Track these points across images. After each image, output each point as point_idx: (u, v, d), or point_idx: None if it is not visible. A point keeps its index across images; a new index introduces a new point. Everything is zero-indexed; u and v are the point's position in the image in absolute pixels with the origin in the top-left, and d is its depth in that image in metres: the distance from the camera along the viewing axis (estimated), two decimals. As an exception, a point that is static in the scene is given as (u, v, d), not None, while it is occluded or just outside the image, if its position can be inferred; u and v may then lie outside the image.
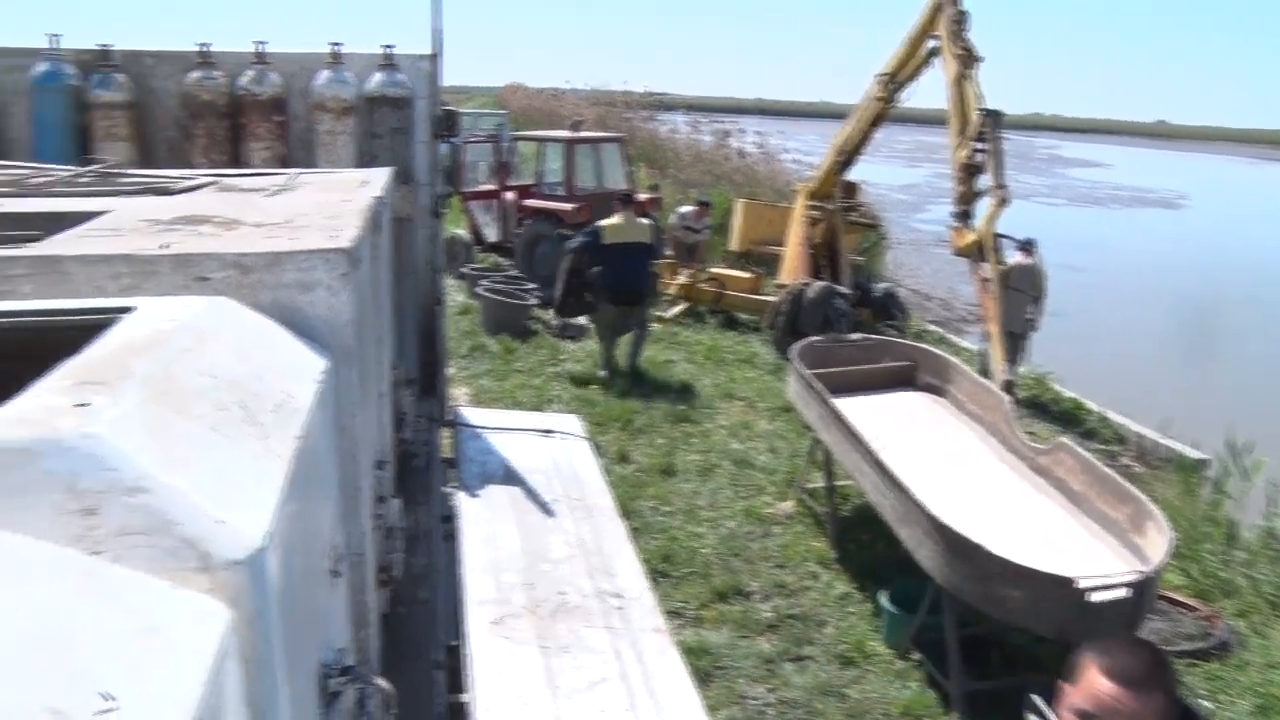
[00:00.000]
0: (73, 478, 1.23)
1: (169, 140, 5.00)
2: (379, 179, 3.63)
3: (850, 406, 7.03)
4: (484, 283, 13.25)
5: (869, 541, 7.12)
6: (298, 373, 1.92)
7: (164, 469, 1.28)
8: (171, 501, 1.24)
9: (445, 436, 4.94)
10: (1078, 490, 5.94)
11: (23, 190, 3.27)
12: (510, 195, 15.49)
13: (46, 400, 1.38)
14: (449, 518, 4.06)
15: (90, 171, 3.58)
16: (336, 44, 4.95)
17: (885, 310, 13.54)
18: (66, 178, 3.49)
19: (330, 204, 2.99)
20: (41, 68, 4.84)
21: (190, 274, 2.15)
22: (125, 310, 1.86)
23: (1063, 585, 4.76)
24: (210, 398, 1.58)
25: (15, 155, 4.54)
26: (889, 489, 5.87)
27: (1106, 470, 5.91)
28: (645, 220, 11.51)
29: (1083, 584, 4.73)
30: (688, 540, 7.31)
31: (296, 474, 1.54)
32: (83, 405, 1.35)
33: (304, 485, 1.60)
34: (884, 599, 6.15)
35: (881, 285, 14.58)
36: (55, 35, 4.90)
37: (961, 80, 10.78)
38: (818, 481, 7.82)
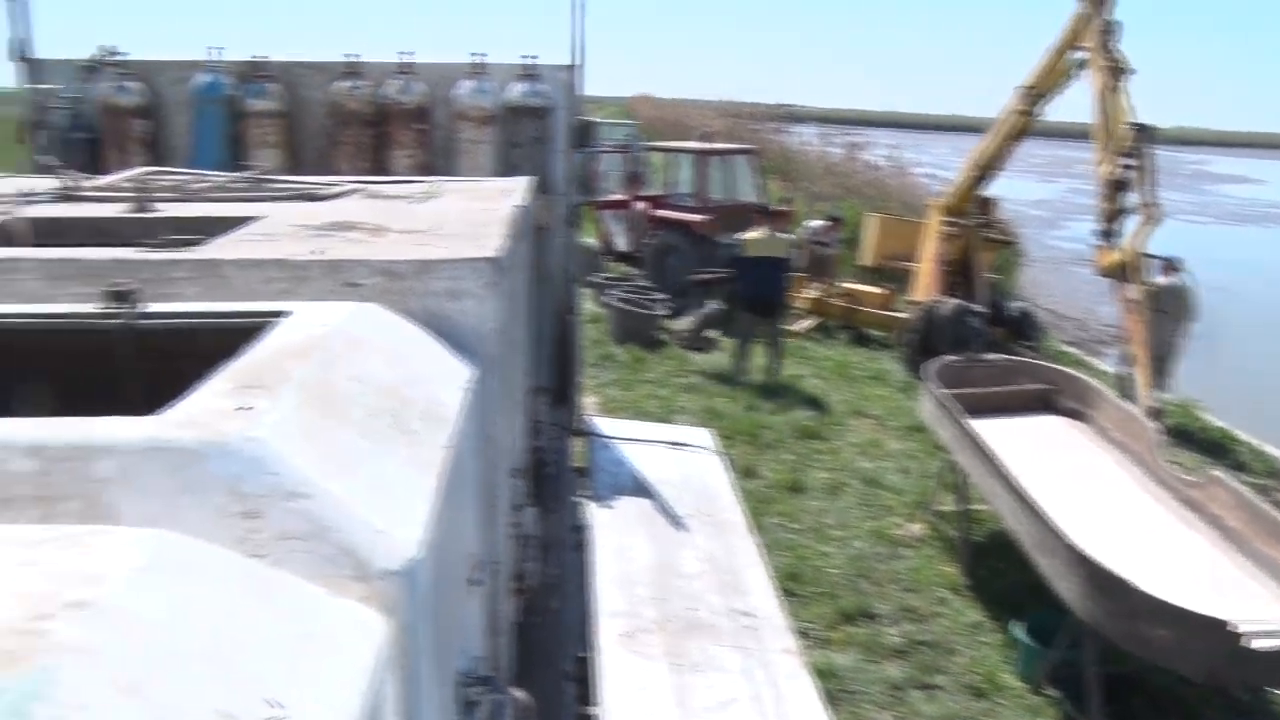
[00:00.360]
0: (236, 481, 1.25)
1: (317, 147, 5.14)
2: (520, 188, 3.66)
3: (986, 429, 6.82)
4: (613, 292, 13.33)
5: (1002, 569, 6.89)
6: (445, 380, 1.92)
7: (322, 475, 1.29)
8: (331, 508, 1.24)
9: (576, 445, 4.96)
10: (1232, 527, 5.62)
11: (184, 195, 3.39)
12: (640, 205, 15.56)
13: (211, 403, 1.40)
14: (578, 527, 4.06)
15: (244, 178, 3.69)
16: (479, 54, 5.04)
17: (1020, 330, 13.14)
18: (222, 183, 3.61)
19: (475, 212, 3.02)
20: (202, 79, 5.04)
21: (340, 279, 2.18)
22: (280, 314, 1.89)
23: (1217, 629, 4.50)
24: (363, 404, 1.59)
25: (176, 161, 4.73)
26: (1027, 516, 5.66)
27: (1266, 506, 5.59)
28: (786, 235, 11.58)
29: (1241, 629, 4.46)
30: (815, 559, 7.19)
31: (445, 483, 1.54)
32: (245, 409, 1.36)
33: (451, 494, 1.60)
34: (1018, 630, 5.93)
35: (1017, 304, 14.17)
36: (217, 48, 5.10)
37: (1109, 93, 10.40)
38: (949, 504, 7.61)
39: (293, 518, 1.22)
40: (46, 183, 3.44)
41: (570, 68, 4.94)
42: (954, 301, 12.27)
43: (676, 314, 12.93)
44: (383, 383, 1.71)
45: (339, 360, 1.68)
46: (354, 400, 1.57)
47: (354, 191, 3.55)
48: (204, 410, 1.36)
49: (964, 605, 6.74)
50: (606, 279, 14.68)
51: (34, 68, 4.95)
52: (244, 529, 1.22)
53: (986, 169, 12.81)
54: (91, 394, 1.92)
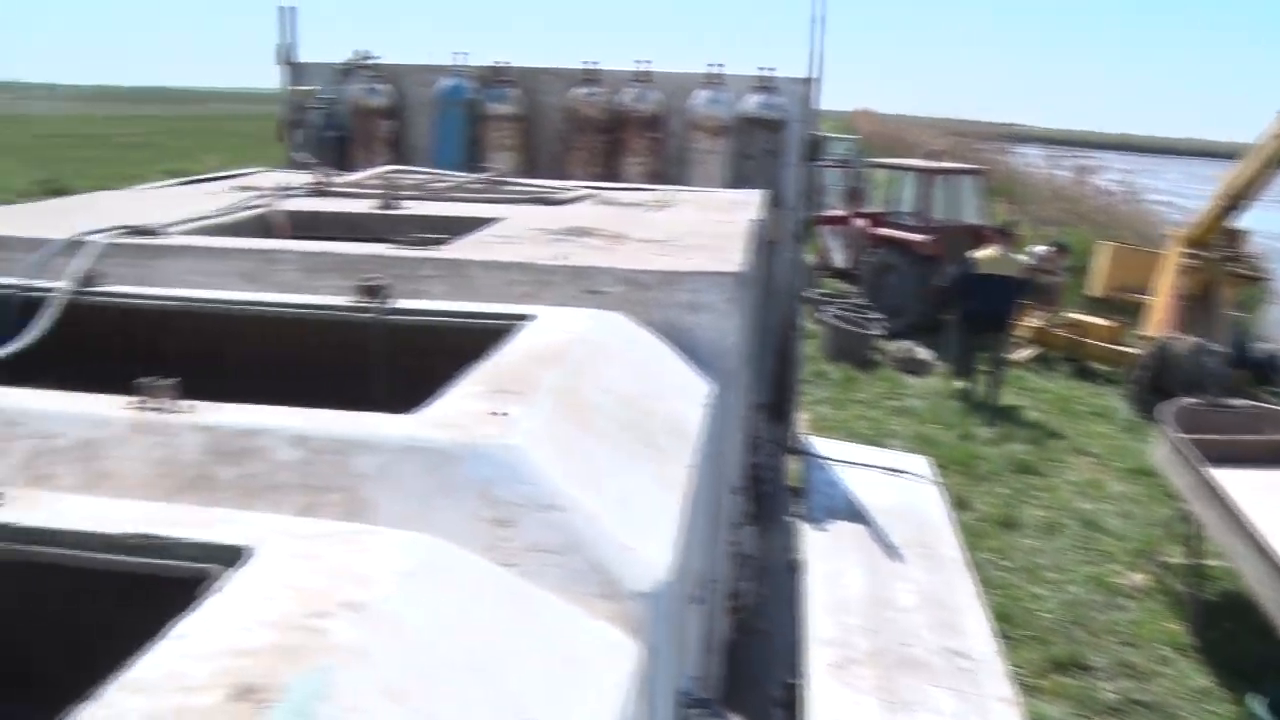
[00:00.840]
0: (488, 486, 1.23)
1: (552, 152, 5.24)
2: (754, 201, 3.61)
3: (1229, 479, 6.31)
4: (828, 308, 13.14)
5: (1237, 632, 6.36)
6: (687, 395, 1.88)
7: (575, 487, 1.26)
8: (583, 523, 1.21)
9: (791, 463, 4.86)
10: None
11: (426, 194, 3.50)
12: (860, 222, 15.27)
13: (466, 405, 1.40)
14: (790, 548, 3.97)
15: (481, 179, 3.78)
16: (716, 65, 5.02)
17: (1266, 374, 12.15)
18: (461, 183, 3.72)
19: (712, 224, 2.99)
20: (446, 83, 5.23)
21: (583, 286, 2.18)
22: (524, 317, 1.90)
23: None
24: (611, 416, 1.57)
25: (417, 160, 4.92)
26: (1277, 579, 5.19)
27: None
28: (1020, 256, 11.29)
29: None
30: (1027, 600, 6.84)
31: (689, 502, 1.49)
32: (500, 414, 1.35)
33: (693, 513, 1.55)
34: (1257, 704, 5.45)
35: (1264, 346, 13.12)
36: (461, 53, 5.29)
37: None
38: (1177, 555, 7.09)
39: (545, 529, 1.20)
40: (302, 178, 3.63)
41: (807, 81, 4.86)
42: (1191, 339, 11.47)
43: (892, 334, 12.67)
44: (629, 394, 1.68)
45: (587, 369, 1.67)
46: (603, 411, 1.55)
47: (587, 197, 3.59)
48: (460, 412, 1.36)
49: (1190, 667, 6.26)
50: (822, 295, 14.48)
51: (296, 70, 5.25)
52: (494, 536, 1.20)
53: (1238, 198, 11.90)
54: (340, 384, 1.99)
